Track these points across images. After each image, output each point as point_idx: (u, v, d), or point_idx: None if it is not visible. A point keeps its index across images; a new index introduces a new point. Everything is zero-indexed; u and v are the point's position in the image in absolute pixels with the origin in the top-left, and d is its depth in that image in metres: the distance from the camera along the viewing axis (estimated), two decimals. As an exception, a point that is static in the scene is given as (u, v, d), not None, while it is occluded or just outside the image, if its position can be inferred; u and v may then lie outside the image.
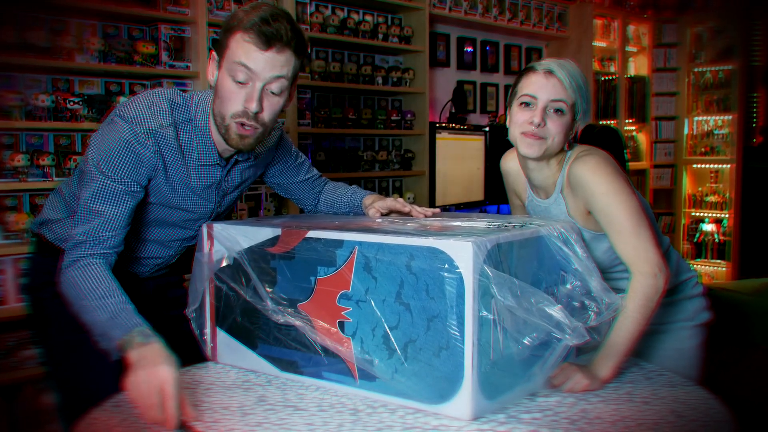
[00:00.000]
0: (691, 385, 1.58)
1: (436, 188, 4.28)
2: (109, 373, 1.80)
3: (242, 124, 1.61)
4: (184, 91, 1.77)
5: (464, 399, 1.36)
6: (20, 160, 2.89)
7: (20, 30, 2.93)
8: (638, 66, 6.53)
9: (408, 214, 1.84)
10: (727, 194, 6.35)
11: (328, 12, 4.16)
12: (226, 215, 1.98)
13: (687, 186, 6.60)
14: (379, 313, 1.44)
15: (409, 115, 4.43)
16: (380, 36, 4.27)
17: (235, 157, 1.78)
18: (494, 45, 5.43)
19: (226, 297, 1.72)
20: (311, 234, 1.55)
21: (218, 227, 1.71)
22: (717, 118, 6.45)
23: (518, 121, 1.70)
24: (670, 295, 1.84)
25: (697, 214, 6.54)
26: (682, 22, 6.50)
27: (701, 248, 6.48)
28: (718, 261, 6.39)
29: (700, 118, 6.54)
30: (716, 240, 6.40)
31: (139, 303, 1.69)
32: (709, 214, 6.46)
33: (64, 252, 1.64)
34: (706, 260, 6.45)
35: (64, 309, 1.74)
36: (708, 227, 6.45)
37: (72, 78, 3.19)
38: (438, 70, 4.97)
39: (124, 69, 3.19)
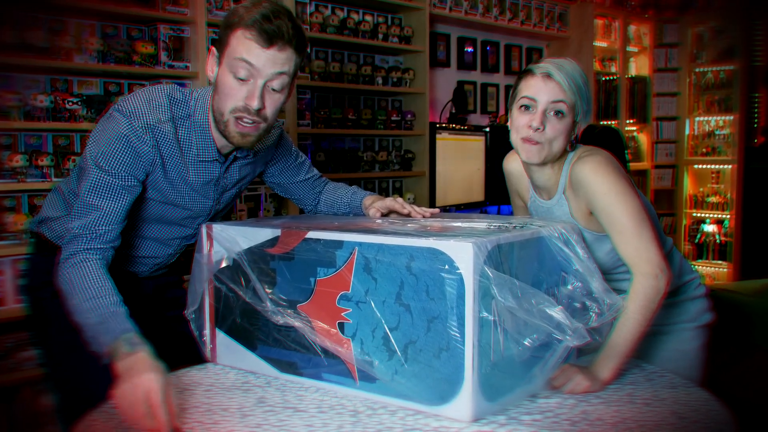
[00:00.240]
0: (692, 387, 1.58)
1: (437, 189, 4.27)
2: (108, 374, 1.80)
3: (241, 119, 1.61)
4: (183, 86, 1.76)
5: (464, 400, 1.35)
6: (19, 160, 2.88)
7: (19, 30, 2.92)
8: (639, 66, 6.52)
9: (407, 215, 1.84)
10: (729, 195, 6.34)
11: (328, 12, 4.16)
12: (226, 215, 1.98)
13: (688, 186, 6.60)
14: (379, 314, 1.44)
15: (409, 116, 4.43)
16: (380, 36, 4.27)
17: (234, 153, 1.78)
18: (495, 45, 5.43)
19: (226, 298, 1.71)
20: (311, 235, 1.55)
21: (217, 228, 1.70)
22: (718, 118, 6.45)
23: (518, 126, 1.70)
24: (673, 296, 1.84)
25: (699, 214, 6.53)
26: (684, 22, 6.49)
27: (702, 249, 6.47)
28: (719, 262, 6.38)
29: (702, 118, 6.53)
30: (717, 241, 6.39)
31: (138, 303, 1.69)
32: (711, 215, 6.45)
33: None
34: (707, 261, 6.44)
35: (63, 309, 1.73)
36: (709, 228, 6.45)
37: (71, 78, 3.19)
38: (438, 71, 4.97)
39: (123, 69, 3.18)
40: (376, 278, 1.44)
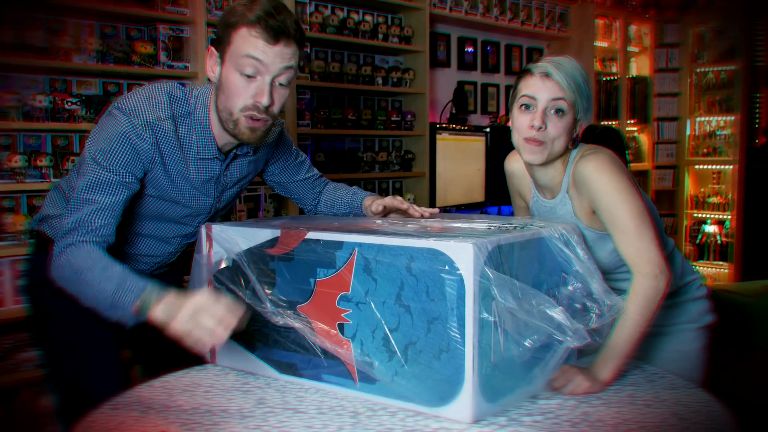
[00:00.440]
0: (693, 388, 1.58)
1: (437, 189, 4.27)
2: (109, 374, 1.80)
3: (252, 117, 1.63)
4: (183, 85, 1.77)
5: (465, 402, 1.35)
6: (18, 161, 2.88)
7: (17, 30, 2.92)
8: (640, 66, 6.52)
9: (406, 211, 1.84)
10: (730, 195, 6.34)
11: (328, 12, 4.15)
12: (226, 214, 1.97)
13: (689, 187, 6.59)
14: (379, 315, 1.43)
15: (409, 116, 4.42)
16: (380, 36, 4.26)
17: (234, 151, 1.78)
18: (495, 45, 5.42)
19: (225, 299, 1.70)
20: (311, 235, 1.54)
21: (217, 228, 1.70)
22: (719, 118, 6.44)
23: (520, 126, 1.70)
24: (675, 297, 1.84)
25: (700, 215, 6.53)
26: (685, 22, 6.49)
27: (703, 250, 6.47)
28: (721, 263, 6.37)
29: (703, 118, 6.53)
30: (718, 241, 6.39)
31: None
32: (712, 216, 6.44)
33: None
34: (708, 262, 6.44)
35: (64, 309, 1.73)
36: (710, 229, 6.44)
37: (70, 78, 3.18)
38: (438, 71, 4.96)
39: (122, 69, 3.18)
40: (376, 279, 1.43)
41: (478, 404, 1.36)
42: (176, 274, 2.04)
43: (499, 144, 4.63)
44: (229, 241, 1.68)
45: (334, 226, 1.62)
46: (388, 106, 4.58)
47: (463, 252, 1.32)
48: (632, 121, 6.29)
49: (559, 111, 1.67)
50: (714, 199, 6.43)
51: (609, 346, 1.56)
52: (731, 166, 6.34)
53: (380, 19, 4.43)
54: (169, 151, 1.69)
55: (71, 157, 3.02)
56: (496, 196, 4.67)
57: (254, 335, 1.66)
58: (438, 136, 4.26)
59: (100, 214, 1.61)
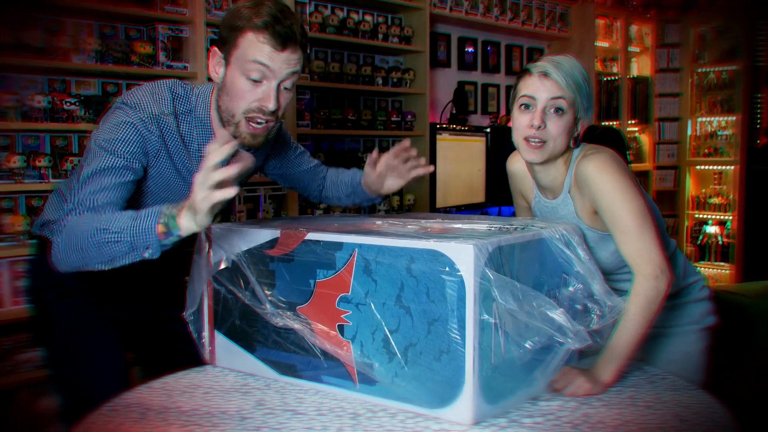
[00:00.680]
0: (694, 390, 1.57)
1: (437, 190, 4.25)
2: (113, 376, 1.79)
3: (252, 120, 1.63)
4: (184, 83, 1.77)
5: (465, 403, 1.34)
6: (16, 161, 2.87)
7: (16, 30, 2.91)
8: (641, 66, 6.51)
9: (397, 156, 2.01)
10: (731, 196, 6.33)
11: (328, 12, 4.14)
12: (225, 215, 1.97)
13: (690, 188, 6.59)
14: (379, 317, 1.43)
15: (409, 116, 4.42)
16: (380, 36, 4.25)
17: None
18: (495, 45, 5.42)
19: (225, 300, 1.70)
20: (310, 236, 1.54)
21: (217, 229, 1.70)
22: (721, 119, 6.43)
23: (520, 126, 1.70)
24: (677, 298, 1.83)
25: (701, 216, 6.52)
26: (686, 22, 6.48)
27: (704, 250, 6.46)
28: (722, 263, 6.37)
29: (704, 119, 6.52)
30: (720, 242, 6.38)
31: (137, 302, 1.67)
32: (713, 216, 6.44)
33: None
34: (709, 263, 6.43)
35: (68, 311, 1.74)
36: (711, 229, 6.43)
37: (68, 78, 3.17)
38: (438, 71, 4.96)
39: (121, 69, 3.17)
40: (376, 280, 1.43)
41: (479, 406, 1.35)
42: (176, 273, 2.03)
43: (500, 144, 4.63)
44: (228, 241, 1.67)
45: (333, 227, 1.62)
46: (388, 107, 4.57)
47: (463, 253, 1.31)
48: (633, 122, 6.28)
49: (558, 110, 1.67)
50: (715, 200, 6.42)
51: (610, 347, 1.56)
52: (732, 167, 6.33)
53: (380, 19, 4.43)
54: (173, 145, 1.70)
55: (70, 158, 3.02)
56: (497, 196, 4.67)
57: (254, 336, 1.66)
58: (438, 137, 4.25)
59: (105, 194, 1.56)
